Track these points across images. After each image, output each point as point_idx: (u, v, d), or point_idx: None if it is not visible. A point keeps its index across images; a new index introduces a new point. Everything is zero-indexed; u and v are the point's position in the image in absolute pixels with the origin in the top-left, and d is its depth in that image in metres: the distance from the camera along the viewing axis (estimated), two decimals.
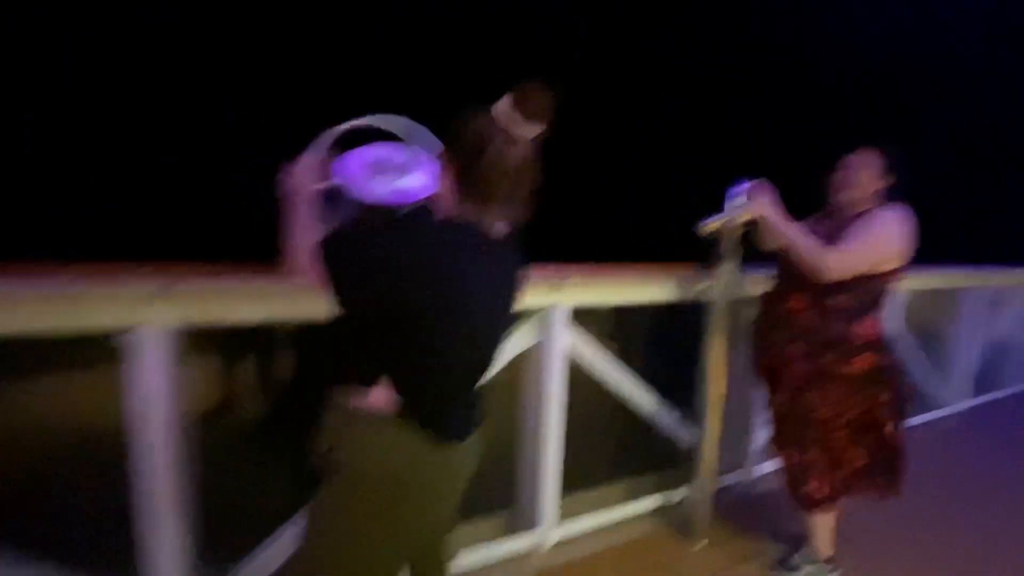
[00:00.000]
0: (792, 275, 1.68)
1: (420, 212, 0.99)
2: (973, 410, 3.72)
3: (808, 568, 1.79)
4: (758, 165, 1.98)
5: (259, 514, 1.82)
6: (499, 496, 1.97)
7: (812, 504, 1.73)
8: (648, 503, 2.15)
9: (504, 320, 1.00)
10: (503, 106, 0.87)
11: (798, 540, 1.85)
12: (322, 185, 1.03)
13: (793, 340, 1.67)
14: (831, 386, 1.64)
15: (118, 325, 1.18)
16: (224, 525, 1.47)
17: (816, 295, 1.63)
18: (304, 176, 0.99)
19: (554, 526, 1.90)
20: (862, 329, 1.61)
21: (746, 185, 1.76)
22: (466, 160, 0.89)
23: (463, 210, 0.91)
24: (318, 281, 0.86)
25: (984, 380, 3.90)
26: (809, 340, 1.65)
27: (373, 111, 1.07)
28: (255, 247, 1.24)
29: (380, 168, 1.05)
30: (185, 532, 1.30)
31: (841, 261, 1.54)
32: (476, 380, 1.00)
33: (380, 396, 0.89)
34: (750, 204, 1.71)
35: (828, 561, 1.79)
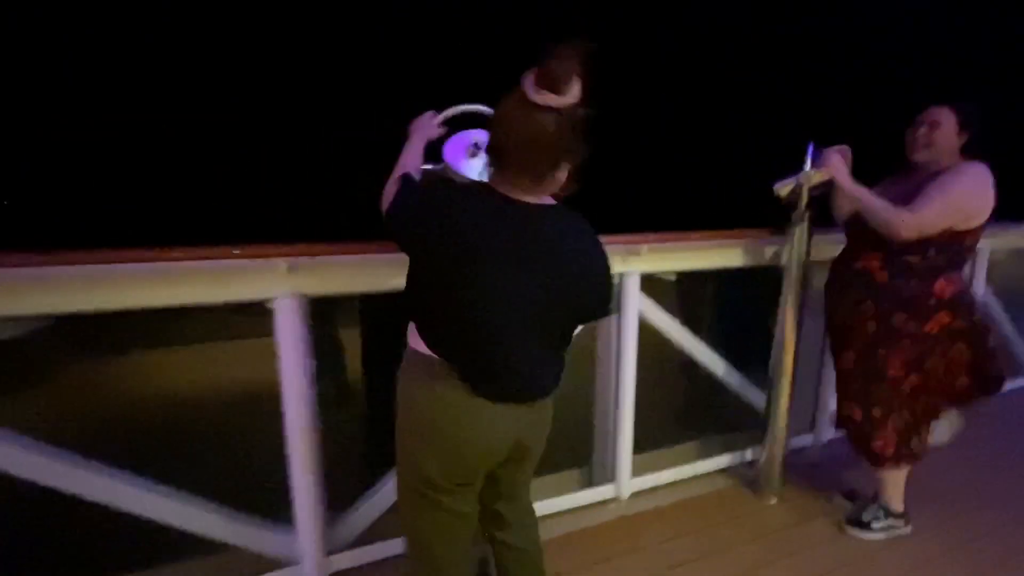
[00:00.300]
0: (866, 236, 1.68)
1: (476, 184, 1.07)
2: None
3: (881, 523, 1.82)
4: (827, 128, 1.96)
5: (369, 462, 2.10)
6: (578, 451, 2.13)
7: (880, 461, 1.76)
8: (719, 462, 2.24)
9: (553, 290, 0.97)
10: (527, 75, 0.90)
11: (870, 499, 1.89)
12: (428, 166, 1.21)
13: (864, 299, 1.68)
14: (900, 346, 1.63)
15: (262, 296, 1.39)
16: (343, 471, 1.71)
17: (890, 254, 1.62)
18: (425, 124, 1.21)
19: (628, 480, 2.03)
20: (938, 288, 1.60)
21: (815, 150, 1.77)
22: (491, 131, 0.97)
23: (494, 180, 0.97)
24: (385, 204, 1.05)
25: None
26: (880, 299, 1.64)
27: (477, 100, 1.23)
28: (361, 225, 1.42)
29: (476, 151, 1.20)
30: (320, 476, 1.53)
31: (917, 220, 1.52)
32: (531, 347, 1.00)
33: (419, 339, 1.03)
34: (821, 167, 1.72)
35: (900, 516, 1.83)
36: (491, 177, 0.99)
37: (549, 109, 0.87)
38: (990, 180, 1.57)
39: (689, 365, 2.37)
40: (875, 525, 1.82)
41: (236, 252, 1.30)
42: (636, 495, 2.04)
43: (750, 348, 2.33)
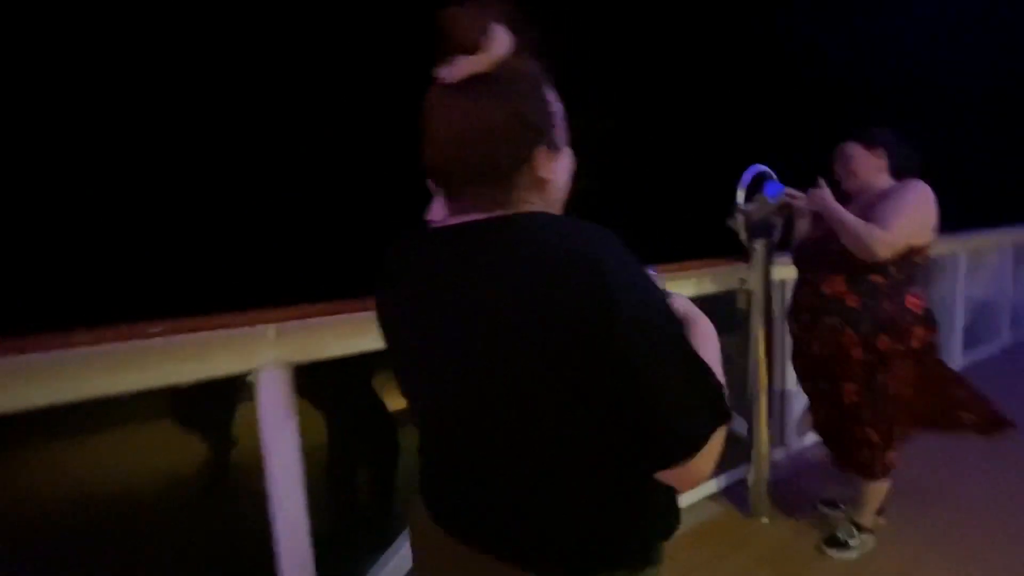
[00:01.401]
0: (824, 259, 1.74)
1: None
2: (964, 367, 4.00)
3: (855, 540, 1.85)
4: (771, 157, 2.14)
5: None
6: None
7: (884, 473, 1.80)
8: (713, 486, 2.26)
9: (505, 350, 0.57)
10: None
11: (841, 510, 1.98)
12: None
13: (842, 327, 1.68)
14: (894, 367, 1.68)
15: (244, 368, 1.24)
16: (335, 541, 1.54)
17: (852, 276, 1.67)
18: None
19: None
20: (910, 304, 1.67)
21: (769, 181, 1.92)
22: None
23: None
24: None
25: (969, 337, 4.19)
26: (858, 324, 1.67)
27: None
28: (340, 283, 1.32)
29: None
30: (309, 549, 1.36)
31: (891, 236, 1.57)
32: (491, 459, 0.63)
33: None
34: (781, 197, 1.86)
35: (869, 531, 1.88)
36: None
37: (468, 82, 0.58)
38: (932, 195, 1.67)
39: None
40: (852, 543, 1.86)
41: (220, 321, 1.15)
42: None
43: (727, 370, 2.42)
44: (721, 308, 2.31)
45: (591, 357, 0.54)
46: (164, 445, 2.87)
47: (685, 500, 2.20)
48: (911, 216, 1.62)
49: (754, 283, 2.03)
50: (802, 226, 1.93)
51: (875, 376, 1.69)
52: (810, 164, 1.87)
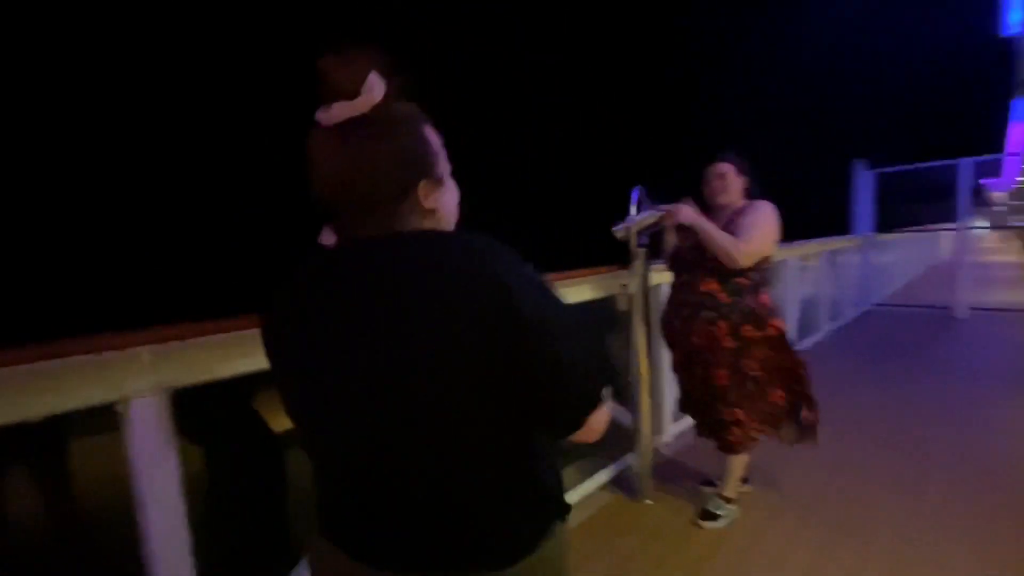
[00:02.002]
0: (701, 266, 2.03)
1: None
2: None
3: (723, 511, 2.14)
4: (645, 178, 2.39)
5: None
6: None
7: (746, 447, 2.07)
8: (603, 476, 2.44)
9: (407, 369, 0.59)
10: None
11: (713, 487, 2.25)
12: None
13: (716, 319, 1.99)
14: (753, 351, 2.00)
15: (112, 398, 1.10)
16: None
17: (724, 279, 1.99)
18: None
19: None
20: (764, 300, 2.01)
21: (641, 197, 2.14)
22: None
23: None
24: None
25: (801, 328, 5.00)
26: (729, 316, 1.98)
27: None
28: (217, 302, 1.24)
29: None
30: None
31: (752, 248, 1.91)
32: (402, 470, 0.63)
33: None
34: (672, 212, 2.07)
35: (734, 501, 2.17)
36: None
37: (348, 124, 0.62)
38: (777, 213, 2.03)
39: None
40: (721, 514, 2.13)
41: (87, 347, 1.01)
42: None
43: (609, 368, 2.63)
44: (608, 310, 2.53)
45: (502, 352, 0.59)
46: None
47: (580, 492, 2.35)
48: (765, 231, 1.95)
49: (634, 287, 2.24)
50: (671, 237, 2.20)
51: (740, 360, 2.00)
52: (675, 184, 2.14)
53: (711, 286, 2.02)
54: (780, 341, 2.04)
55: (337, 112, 0.61)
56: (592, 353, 0.67)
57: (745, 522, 2.13)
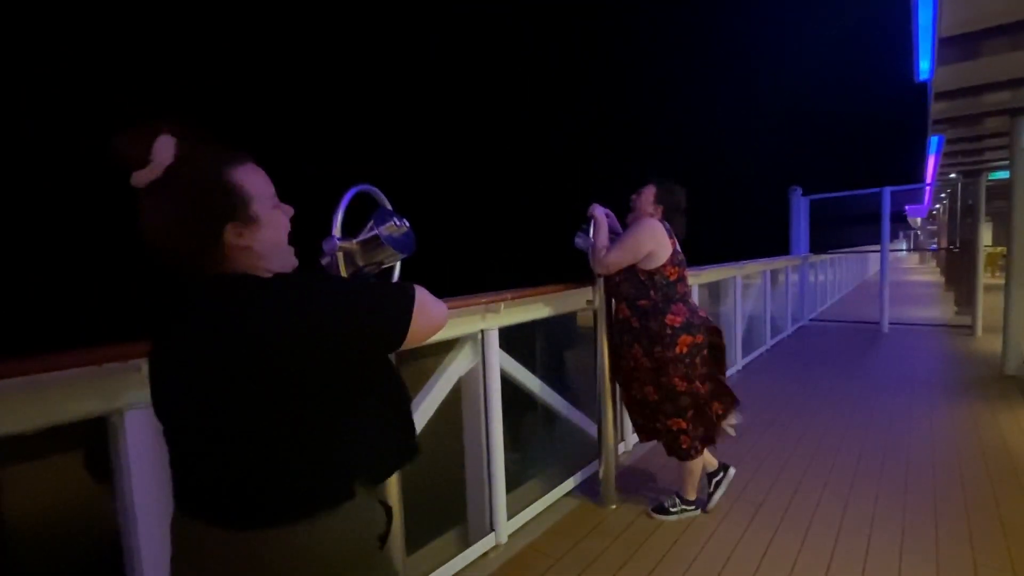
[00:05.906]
0: (616, 290, 2.22)
1: None
2: (746, 365, 5.07)
3: (676, 508, 2.30)
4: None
5: None
6: (449, 512, 2.16)
7: (690, 455, 2.23)
8: (570, 483, 2.55)
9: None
10: None
11: (670, 489, 2.42)
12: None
13: (632, 343, 2.17)
14: (672, 368, 2.10)
15: (106, 409, 1.12)
16: None
17: (630, 303, 2.16)
18: None
19: (505, 523, 2.15)
20: (669, 321, 2.09)
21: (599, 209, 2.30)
22: None
23: None
24: None
25: (746, 342, 5.33)
26: (640, 340, 2.13)
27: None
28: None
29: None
30: None
31: (607, 259, 2.13)
32: (225, 463, 0.74)
33: None
34: (596, 224, 2.24)
35: (692, 502, 2.33)
36: None
37: (149, 188, 0.72)
38: (657, 229, 2.15)
39: (539, 404, 2.65)
40: (672, 510, 2.30)
41: (85, 359, 1.03)
42: (513, 535, 2.18)
43: (567, 382, 2.77)
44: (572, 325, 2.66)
45: (297, 355, 0.71)
46: None
47: (549, 499, 2.45)
48: (626, 244, 2.14)
49: (598, 303, 2.39)
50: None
51: (660, 378, 2.15)
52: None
53: (624, 312, 2.22)
54: (694, 355, 2.14)
55: (136, 180, 0.71)
56: (389, 285, 0.81)
57: (699, 523, 2.29)
